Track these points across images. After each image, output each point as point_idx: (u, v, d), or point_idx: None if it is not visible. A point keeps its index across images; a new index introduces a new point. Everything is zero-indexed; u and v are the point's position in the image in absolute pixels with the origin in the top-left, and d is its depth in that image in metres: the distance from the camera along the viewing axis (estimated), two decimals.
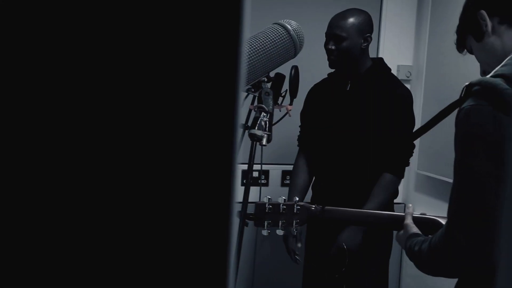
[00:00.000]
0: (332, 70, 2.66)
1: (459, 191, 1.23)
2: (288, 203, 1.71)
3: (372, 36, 2.56)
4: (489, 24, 1.33)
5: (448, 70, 3.06)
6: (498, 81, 1.16)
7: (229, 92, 0.39)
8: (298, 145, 2.78)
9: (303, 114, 2.76)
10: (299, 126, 2.79)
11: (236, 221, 0.42)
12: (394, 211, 2.60)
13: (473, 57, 1.51)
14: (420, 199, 3.38)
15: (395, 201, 2.76)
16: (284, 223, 1.70)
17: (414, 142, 2.60)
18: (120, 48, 0.35)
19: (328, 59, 2.52)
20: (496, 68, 1.23)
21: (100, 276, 0.38)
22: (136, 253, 0.38)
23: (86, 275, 0.38)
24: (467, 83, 1.23)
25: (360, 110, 2.50)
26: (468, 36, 1.40)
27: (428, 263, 1.34)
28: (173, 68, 0.37)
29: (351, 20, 2.48)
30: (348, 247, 2.41)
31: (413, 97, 2.64)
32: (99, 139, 0.37)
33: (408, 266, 3.27)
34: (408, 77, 3.46)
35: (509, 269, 0.34)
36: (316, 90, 2.72)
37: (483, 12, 1.33)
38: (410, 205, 1.65)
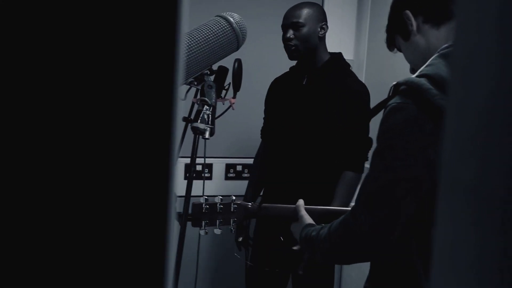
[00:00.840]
0: (294, 64, 2.66)
1: (370, 177, 1.27)
2: (225, 202, 1.72)
3: (324, 23, 2.58)
4: (414, 23, 1.38)
5: (388, 64, 3.13)
6: (423, 81, 1.20)
7: (166, 85, 0.37)
8: (261, 137, 2.80)
9: (265, 106, 2.77)
10: (263, 118, 2.79)
11: (174, 218, 0.41)
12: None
13: None
14: None
15: None
16: (221, 222, 1.71)
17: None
18: (54, 39, 0.34)
19: (287, 50, 2.51)
20: (421, 68, 1.27)
21: (34, 276, 0.36)
22: (69, 252, 0.36)
23: (18, 275, 0.36)
24: (394, 83, 1.27)
25: (315, 105, 2.50)
26: (396, 35, 1.44)
27: (326, 248, 1.36)
28: (109, 61, 0.36)
29: (306, 8, 2.51)
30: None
31: None
32: (34, 135, 0.35)
33: None
34: None
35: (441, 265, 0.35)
36: (276, 84, 2.72)
37: (408, 12, 1.38)
38: (301, 200, 1.67)
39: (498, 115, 0.30)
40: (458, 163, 0.34)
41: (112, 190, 0.36)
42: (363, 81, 3.35)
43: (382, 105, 1.31)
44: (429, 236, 1.22)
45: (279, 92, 2.66)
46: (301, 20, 2.47)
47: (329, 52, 2.59)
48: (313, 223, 1.53)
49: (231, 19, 1.82)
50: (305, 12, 2.50)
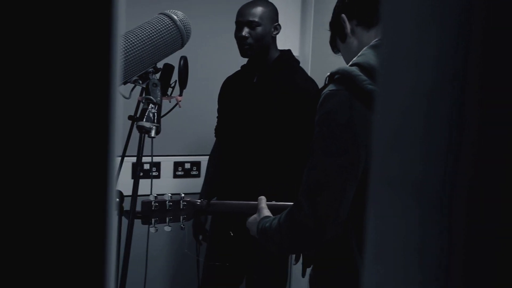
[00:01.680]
0: (245, 62, 2.66)
1: (312, 165, 1.32)
2: (174, 199, 1.72)
3: (278, 23, 2.60)
4: (348, 26, 1.49)
5: (333, 60, 3.18)
6: (353, 69, 1.29)
7: (102, 84, 0.37)
8: (215, 136, 2.79)
9: (218, 105, 2.76)
10: (217, 117, 2.79)
11: (115, 217, 0.41)
12: None
13: None
14: None
15: None
16: (171, 220, 1.71)
17: None
18: None
19: (241, 48, 2.51)
20: (354, 59, 1.34)
21: None
22: (3, 253, 0.36)
23: None
24: (329, 73, 1.34)
25: (265, 103, 2.51)
26: (336, 37, 1.53)
27: (277, 239, 1.40)
28: (43, 61, 0.36)
29: (262, 7, 2.52)
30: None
31: None
32: None
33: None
34: None
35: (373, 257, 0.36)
36: (228, 83, 2.72)
37: (344, 16, 1.50)
38: (263, 196, 1.70)
39: (419, 113, 0.31)
40: (386, 156, 0.35)
41: (48, 190, 0.35)
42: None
43: (319, 94, 1.38)
44: (363, 218, 1.26)
45: (231, 91, 2.66)
46: (257, 19, 2.48)
47: (279, 50, 2.61)
48: (271, 215, 1.55)
49: (175, 17, 1.81)
50: (261, 11, 2.51)
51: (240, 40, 2.49)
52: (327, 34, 3.23)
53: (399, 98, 0.34)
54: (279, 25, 2.55)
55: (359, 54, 1.37)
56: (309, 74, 3.42)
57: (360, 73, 1.27)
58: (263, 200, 1.65)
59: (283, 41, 3.50)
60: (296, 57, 3.54)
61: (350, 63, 1.36)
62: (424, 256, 0.32)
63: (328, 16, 3.20)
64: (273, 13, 2.55)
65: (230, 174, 2.60)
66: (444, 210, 0.33)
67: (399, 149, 0.35)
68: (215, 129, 2.79)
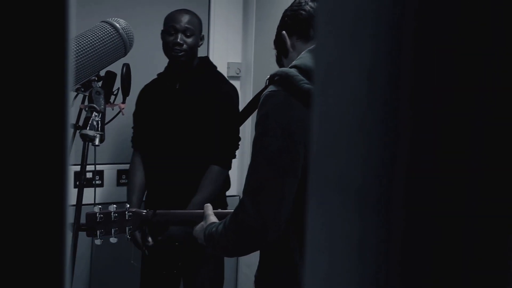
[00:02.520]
0: (162, 70, 2.67)
1: (253, 165, 1.36)
2: (119, 210, 1.70)
3: (203, 34, 2.63)
4: (289, 42, 1.57)
5: (275, 67, 3.23)
6: (292, 70, 1.35)
7: (56, 92, 0.39)
8: (132, 146, 2.75)
9: (135, 115, 2.74)
10: (132, 128, 2.75)
11: (69, 229, 0.42)
12: (227, 203, 2.69)
13: None
14: None
15: (231, 193, 2.84)
16: (117, 231, 1.69)
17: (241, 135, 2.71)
18: None
19: (172, 55, 2.50)
20: (293, 62, 1.40)
21: None
22: None
23: None
24: (269, 76, 1.40)
25: (189, 108, 2.54)
26: (281, 55, 1.61)
27: (223, 242, 1.43)
28: None
29: (194, 17, 2.56)
30: (173, 235, 2.44)
31: (243, 93, 2.72)
32: None
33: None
34: (237, 73, 3.58)
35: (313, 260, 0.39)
36: (147, 91, 2.71)
37: (284, 33, 1.58)
38: (209, 204, 1.72)
39: (354, 117, 0.34)
40: (326, 158, 0.38)
41: (4, 201, 0.36)
42: (252, 82, 3.44)
43: (258, 96, 1.42)
44: (303, 220, 1.31)
45: (152, 98, 2.66)
46: (192, 28, 2.51)
47: (198, 57, 2.65)
48: (217, 221, 1.57)
49: (117, 25, 1.80)
50: (195, 21, 2.56)
51: (173, 45, 2.49)
52: (269, 41, 3.29)
53: (335, 101, 0.37)
54: (203, 36, 2.62)
55: (297, 58, 1.44)
56: (251, 80, 3.46)
57: (297, 74, 1.33)
58: (209, 207, 1.66)
59: (225, 47, 3.53)
60: (239, 64, 3.59)
61: (289, 66, 1.41)
62: (363, 256, 0.35)
63: (269, 24, 3.26)
64: (201, 24, 2.61)
65: (160, 183, 2.61)
66: (381, 210, 0.35)
67: (336, 152, 0.38)
68: (133, 140, 2.76)
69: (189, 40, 2.50)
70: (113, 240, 1.71)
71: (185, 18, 2.52)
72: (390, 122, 0.34)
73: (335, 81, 0.36)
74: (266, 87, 1.42)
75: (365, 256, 0.36)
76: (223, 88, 2.60)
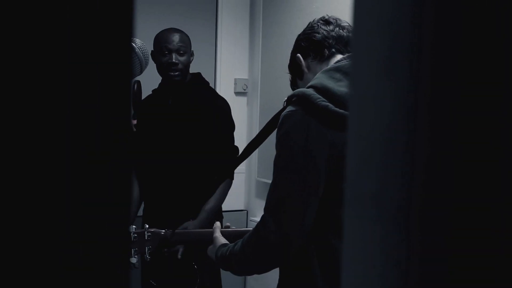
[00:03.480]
0: (156, 87, 2.72)
1: (274, 183, 1.40)
2: (139, 231, 1.73)
3: (209, 51, 2.69)
4: (304, 64, 1.59)
5: (281, 83, 3.28)
6: (310, 90, 1.38)
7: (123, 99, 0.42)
8: None
9: None
10: None
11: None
12: (222, 216, 2.75)
13: None
14: (261, 205, 3.56)
15: (238, 208, 2.87)
16: (136, 251, 1.72)
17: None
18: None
19: (169, 74, 2.56)
20: (309, 83, 1.43)
21: None
22: None
23: None
24: (288, 96, 1.44)
25: (183, 123, 2.61)
26: (296, 78, 1.63)
27: (241, 259, 1.46)
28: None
29: (185, 35, 2.62)
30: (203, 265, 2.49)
31: (250, 108, 2.75)
32: None
33: None
34: (244, 89, 3.63)
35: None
36: (142, 107, 2.76)
37: (299, 56, 1.60)
38: (217, 222, 1.75)
39: (381, 141, 0.38)
40: (361, 175, 0.42)
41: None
42: (258, 98, 3.49)
43: (277, 116, 1.46)
44: (325, 238, 1.35)
45: (146, 114, 2.70)
46: (184, 46, 2.57)
47: (190, 73, 2.71)
48: (227, 243, 1.60)
49: (133, 45, 1.85)
50: (185, 38, 2.63)
51: (169, 65, 2.55)
52: (275, 58, 3.34)
53: (368, 125, 0.41)
54: (193, 51, 2.68)
55: (314, 78, 1.46)
56: (258, 96, 3.51)
57: (314, 93, 1.36)
58: (217, 229, 1.69)
59: (232, 64, 3.59)
60: (245, 80, 3.65)
61: (306, 86, 1.44)
62: (387, 264, 0.39)
63: (275, 42, 3.32)
64: (190, 41, 2.69)
65: (157, 197, 2.65)
66: (402, 224, 0.39)
67: (369, 170, 0.41)
68: None
69: (183, 58, 2.56)
70: (133, 260, 1.73)
71: (176, 38, 2.58)
72: (409, 147, 0.38)
73: (369, 107, 0.40)
74: (284, 108, 1.45)
75: (388, 265, 0.39)
76: (216, 102, 2.67)
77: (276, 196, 1.37)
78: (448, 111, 0.37)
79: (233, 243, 1.52)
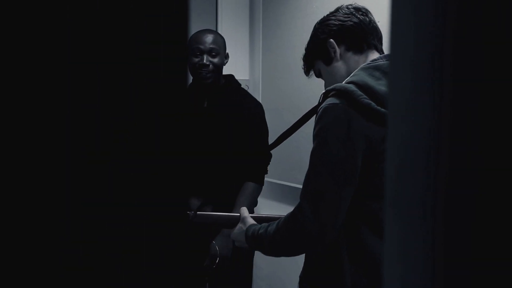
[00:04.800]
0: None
1: (310, 175, 1.42)
2: None
3: (227, 52, 2.68)
4: (338, 51, 1.56)
5: (282, 83, 3.28)
6: (352, 86, 1.40)
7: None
8: None
9: None
10: None
11: None
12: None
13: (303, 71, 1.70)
14: (270, 205, 3.55)
15: None
16: None
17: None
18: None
19: (200, 75, 2.53)
20: (348, 78, 1.46)
21: None
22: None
23: None
24: (323, 91, 1.45)
25: (219, 126, 2.58)
26: (318, 61, 1.60)
27: (276, 240, 1.49)
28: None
29: (219, 37, 2.60)
30: (222, 254, 2.48)
31: None
32: None
33: (258, 268, 3.42)
34: (246, 90, 3.63)
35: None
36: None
37: (333, 41, 1.56)
38: (244, 207, 1.79)
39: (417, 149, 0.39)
40: (402, 176, 0.42)
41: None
42: (260, 99, 3.49)
43: (311, 112, 1.47)
44: (357, 232, 1.41)
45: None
46: (217, 47, 2.55)
47: (223, 75, 2.69)
48: (256, 223, 1.64)
49: None
50: (219, 40, 2.59)
51: (200, 67, 2.53)
52: (276, 58, 3.32)
53: (407, 128, 0.41)
54: (228, 54, 2.66)
55: (352, 74, 1.47)
56: (260, 96, 3.51)
57: (356, 89, 1.38)
58: (245, 210, 1.74)
59: (233, 64, 3.59)
60: (246, 80, 3.64)
61: (345, 81, 1.45)
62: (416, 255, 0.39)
63: (275, 42, 3.32)
64: (224, 43, 2.65)
65: (192, 201, 2.65)
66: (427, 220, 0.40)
67: (408, 172, 0.42)
68: None
69: (215, 60, 2.53)
70: None
71: (209, 39, 2.55)
72: (432, 161, 0.39)
73: (408, 112, 0.40)
74: (320, 103, 1.46)
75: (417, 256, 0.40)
76: (250, 105, 2.64)
77: (314, 187, 1.39)
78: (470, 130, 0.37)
79: (266, 224, 1.56)
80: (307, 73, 1.71)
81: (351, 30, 1.55)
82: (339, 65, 1.57)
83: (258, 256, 2.65)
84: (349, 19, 1.56)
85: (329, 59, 1.59)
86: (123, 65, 0.40)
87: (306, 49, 1.68)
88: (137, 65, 0.40)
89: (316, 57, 1.63)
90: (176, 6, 0.41)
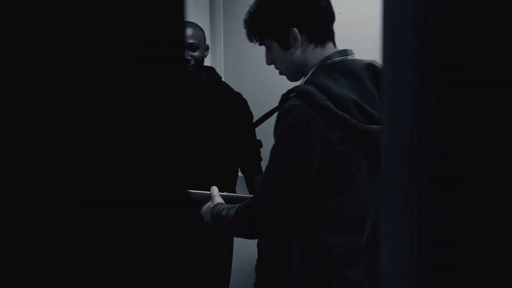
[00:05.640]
0: None
1: (271, 168, 1.48)
2: None
3: (207, 44, 2.64)
4: (299, 40, 1.54)
5: (246, 78, 3.29)
6: (312, 88, 1.43)
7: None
8: None
9: None
10: None
11: None
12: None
13: (268, 67, 1.70)
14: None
15: None
16: None
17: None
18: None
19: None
20: (306, 78, 1.45)
21: None
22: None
23: None
24: (284, 92, 1.48)
25: (204, 121, 2.54)
26: (272, 41, 1.58)
27: (233, 226, 1.56)
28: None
29: (198, 30, 2.54)
30: None
31: None
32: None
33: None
34: None
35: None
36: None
37: (295, 30, 1.54)
38: (214, 186, 1.83)
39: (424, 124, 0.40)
40: (396, 165, 0.43)
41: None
42: None
43: (271, 112, 1.52)
44: (308, 227, 1.43)
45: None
46: (197, 42, 2.50)
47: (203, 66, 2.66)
48: (223, 202, 1.71)
49: None
50: (199, 32, 2.53)
51: None
52: (238, 53, 3.32)
53: (401, 116, 0.43)
54: (208, 45, 2.62)
55: (310, 74, 1.51)
56: None
57: (316, 90, 1.41)
58: (215, 189, 1.79)
59: None
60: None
61: (304, 81, 1.49)
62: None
63: (237, 36, 3.32)
64: (204, 34, 2.61)
65: None
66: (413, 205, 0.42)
67: (400, 163, 0.43)
68: None
69: (196, 54, 2.49)
70: None
71: (188, 33, 2.52)
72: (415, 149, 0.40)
73: (402, 101, 0.41)
74: (280, 104, 1.49)
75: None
76: (232, 97, 2.62)
77: (272, 180, 1.45)
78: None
79: (229, 206, 1.62)
80: (250, 39, 1.70)
81: (316, 20, 1.54)
82: (297, 54, 1.56)
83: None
84: (312, 5, 1.53)
85: (287, 45, 1.57)
86: (123, 65, 0.40)
87: (257, 20, 1.65)
88: (137, 65, 0.40)
89: (271, 37, 1.60)
90: (176, 6, 0.41)
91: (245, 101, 2.66)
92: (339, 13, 3.12)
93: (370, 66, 1.49)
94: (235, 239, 2.53)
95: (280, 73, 1.65)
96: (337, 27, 2.98)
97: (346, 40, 2.98)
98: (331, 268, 1.46)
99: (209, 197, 1.78)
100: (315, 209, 1.47)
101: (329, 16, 1.55)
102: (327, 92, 1.41)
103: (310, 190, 1.44)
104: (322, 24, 1.54)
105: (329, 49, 1.55)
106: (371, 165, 1.45)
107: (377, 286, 1.54)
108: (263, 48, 1.69)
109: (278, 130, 1.45)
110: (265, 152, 3.13)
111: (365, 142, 1.41)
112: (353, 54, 1.57)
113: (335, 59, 1.50)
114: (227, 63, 3.50)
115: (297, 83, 1.54)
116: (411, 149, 0.41)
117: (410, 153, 0.41)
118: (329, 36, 1.57)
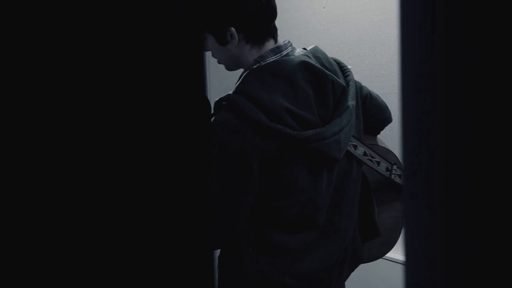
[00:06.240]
0: None
1: (215, 179, 1.47)
2: None
3: None
4: (236, 39, 1.48)
5: (232, 81, 3.27)
6: (242, 101, 1.39)
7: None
8: None
9: None
10: None
11: None
12: None
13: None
14: None
15: None
16: None
17: None
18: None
19: None
20: (237, 84, 1.46)
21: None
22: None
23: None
24: (217, 99, 1.44)
25: None
26: (209, 35, 1.52)
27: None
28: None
29: None
30: None
31: None
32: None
33: None
34: None
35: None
36: None
37: (233, 29, 1.47)
38: None
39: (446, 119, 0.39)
40: (417, 157, 0.43)
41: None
42: (209, 97, 3.47)
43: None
44: (262, 229, 1.50)
45: None
46: None
47: None
48: None
49: None
50: None
51: None
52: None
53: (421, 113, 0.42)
54: None
55: (242, 81, 1.46)
56: (210, 93, 3.50)
57: (247, 102, 1.38)
58: None
59: None
60: None
61: (235, 89, 1.45)
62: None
63: None
64: None
65: None
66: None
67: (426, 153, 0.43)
68: None
69: None
70: None
71: None
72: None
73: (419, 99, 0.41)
74: (214, 112, 1.46)
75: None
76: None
77: (217, 192, 1.46)
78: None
79: None
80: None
81: (254, 21, 1.48)
82: (233, 50, 1.52)
83: None
84: (252, 7, 1.46)
85: (223, 41, 1.51)
86: (123, 65, 0.39)
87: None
88: (137, 65, 0.40)
89: (209, 31, 1.54)
90: (189, 8, 0.41)
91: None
92: (324, 8, 3.12)
93: (303, 64, 1.44)
94: None
95: (219, 62, 1.63)
96: (321, 21, 2.99)
97: (330, 34, 2.98)
98: (286, 264, 1.50)
99: None
100: (266, 213, 1.48)
101: (269, 16, 1.49)
102: (259, 104, 1.38)
103: (256, 196, 1.45)
104: (260, 25, 1.48)
105: (266, 48, 1.50)
106: (312, 166, 1.45)
107: (330, 273, 1.58)
108: None
109: (214, 146, 1.44)
110: None
111: (302, 148, 1.41)
112: (289, 47, 1.53)
113: (268, 59, 1.47)
114: (212, 65, 3.48)
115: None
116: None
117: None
118: (269, 34, 1.51)
